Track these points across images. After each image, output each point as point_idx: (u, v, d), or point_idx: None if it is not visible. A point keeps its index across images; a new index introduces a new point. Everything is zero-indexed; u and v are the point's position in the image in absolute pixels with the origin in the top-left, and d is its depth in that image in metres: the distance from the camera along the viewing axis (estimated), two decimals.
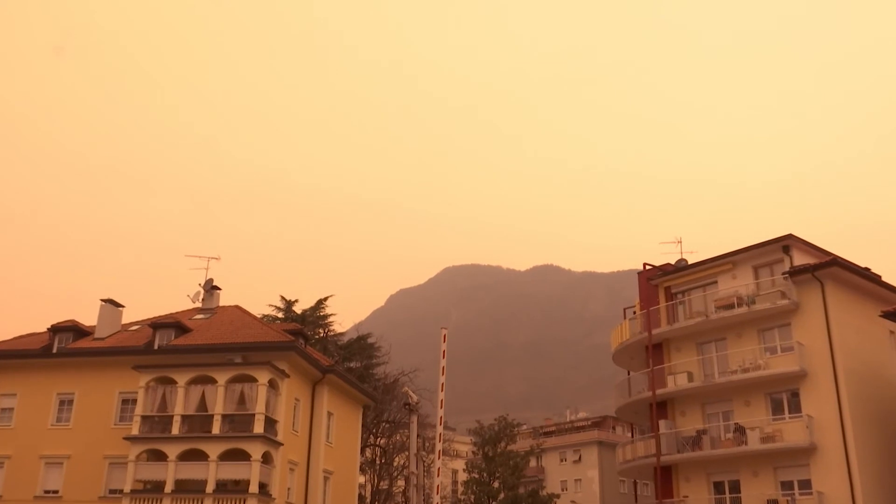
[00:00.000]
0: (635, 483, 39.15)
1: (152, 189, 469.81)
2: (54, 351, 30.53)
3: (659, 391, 30.13)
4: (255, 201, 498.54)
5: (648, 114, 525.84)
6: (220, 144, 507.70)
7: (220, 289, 33.71)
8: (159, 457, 26.69)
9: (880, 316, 26.81)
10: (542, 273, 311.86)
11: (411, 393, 28.98)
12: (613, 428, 67.47)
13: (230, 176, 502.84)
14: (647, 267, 33.01)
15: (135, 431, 27.09)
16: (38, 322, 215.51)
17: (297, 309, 45.89)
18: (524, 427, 70.95)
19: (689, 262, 32.60)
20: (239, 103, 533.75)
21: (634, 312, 34.15)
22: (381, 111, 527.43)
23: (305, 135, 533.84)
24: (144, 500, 25.93)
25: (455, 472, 62.27)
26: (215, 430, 26.42)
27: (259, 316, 38.07)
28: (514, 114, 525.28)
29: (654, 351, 31.07)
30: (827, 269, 27.25)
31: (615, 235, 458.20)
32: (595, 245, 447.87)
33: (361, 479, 42.19)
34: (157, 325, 30.16)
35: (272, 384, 27.52)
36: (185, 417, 26.85)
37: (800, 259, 28.51)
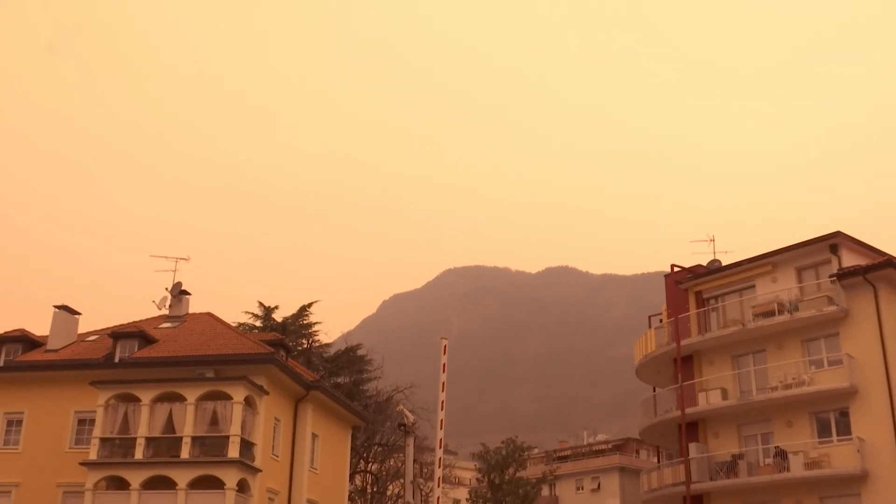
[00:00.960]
0: None
1: (115, 181, 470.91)
2: (0, 365, 30.53)
3: (689, 410, 30.12)
4: (229, 194, 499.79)
5: (676, 97, 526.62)
6: (196, 130, 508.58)
7: (189, 294, 33.74)
8: (120, 485, 26.67)
9: None
10: (555, 275, 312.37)
11: (407, 412, 28.98)
12: (637, 452, 67.46)
13: (203, 166, 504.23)
14: (676, 269, 33.02)
15: (93, 456, 27.09)
16: None
17: (278, 317, 45.93)
18: (535, 451, 71.00)
19: (724, 264, 32.62)
20: (219, 87, 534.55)
21: (661, 320, 34.11)
22: (374, 95, 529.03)
23: (287, 121, 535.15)
24: None
25: (457, 501, 62.29)
26: (184, 454, 26.42)
27: (234, 324, 38.06)
28: (522, 97, 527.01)
29: (684, 364, 31.07)
30: (881, 270, 27.22)
31: (639, 233, 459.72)
32: (616, 244, 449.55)
33: None
34: (118, 334, 30.17)
35: (249, 402, 27.51)
36: (149, 440, 26.85)
37: (849, 260, 28.49)
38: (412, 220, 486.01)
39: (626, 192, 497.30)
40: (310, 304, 47.49)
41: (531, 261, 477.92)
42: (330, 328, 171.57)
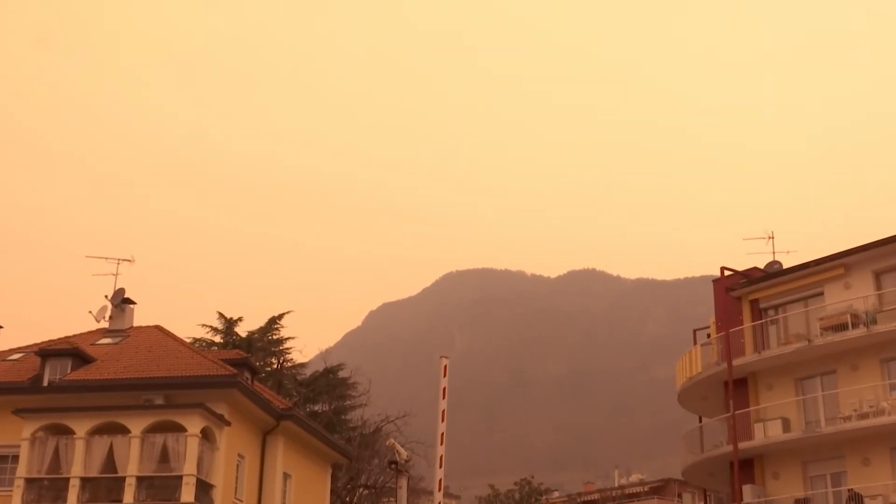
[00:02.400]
0: None
1: (45, 166, 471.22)
2: None
3: (742, 445, 30.14)
4: (183, 180, 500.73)
5: (721, 70, 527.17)
6: (138, 99, 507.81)
7: (134, 303, 33.76)
8: None
9: None
10: (580, 281, 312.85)
11: (399, 447, 28.94)
12: (679, 496, 67.51)
13: (151, 145, 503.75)
14: (727, 273, 33.03)
15: (16, 501, 27.05)
16: None
17: (241, 331, 45.99)
18: (556, 494, 71.08)
19: (785, 266, 32.65)
20: (182, 55, 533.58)
21: (708, 335, 34.11)
22: (366, 62, 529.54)
23: (254, 93, 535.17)
24: None
25: None
26: (128, 498, 26.41)
27: (188, 340, 38.05)
28: (543, 76, 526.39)
29: (737, 389, 31.08)
30: None
31: (681, 230, 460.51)
32: (653, 243, 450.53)
33: None
34: (47, 352, 30.17)
35: (206, 435, 27.52)
36: (85, 481, 26.83)
37: None
38: (406, 214, 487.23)
39: (665, 181, 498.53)
40: (281, 316, 47.55)
41: (550, 263, 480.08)
42: (305, 345, 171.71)
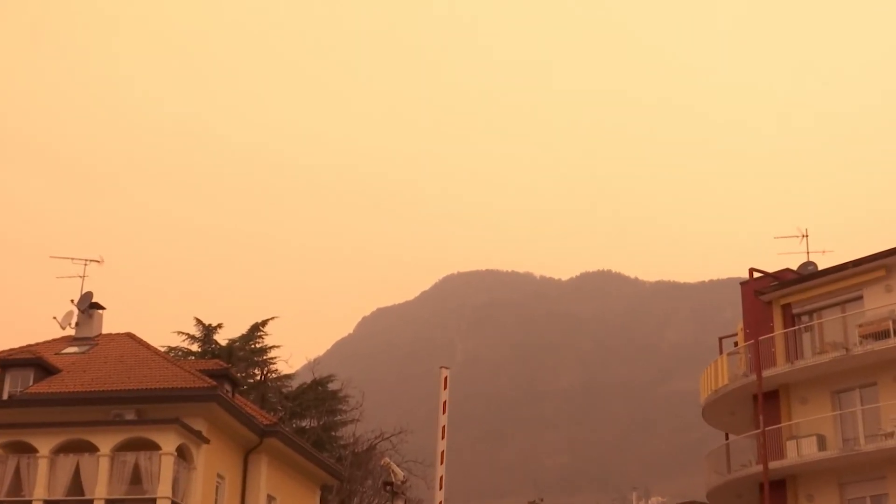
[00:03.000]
0: None
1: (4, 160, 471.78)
2: None
3: (773, 464, 30.07)
4: (158, 170, 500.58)
5: (749, 56, 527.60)
6: (113, 83, 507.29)
7: (103, 308, 33.67)
8: None
9: None
10: (594, 283, 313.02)
11: (395, 467, 28.89)
12: None
13: (121, 131, 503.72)
14: (756, 274, 32.93)
15: None
16: None
17: (221, 338, 45.94)
18: None
19: (820, 268, 32.55)
20: (157, 35, 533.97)
21: (735, 343, 34.02)
22: (361, 45, 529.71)
23: (239, 75, 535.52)
24: None
25: None
26: None
27: (163, 349, 37.92)
28: (559, 66, 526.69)
29: (767, 403, 31.02)
30: None
31: (705, 228, 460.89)
32: (675, 242, 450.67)
33: None
34: (6, 362, 30.08)
35: (182, 453, 27.43)
36: None
37: None
38: (403, 210, 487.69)
39: (687, 175, 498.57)
40: (264, 322, 47.44)
41: (561, 264, 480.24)
42: (292, 354, 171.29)
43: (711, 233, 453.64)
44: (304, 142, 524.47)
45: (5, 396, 29.34)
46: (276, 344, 47.66)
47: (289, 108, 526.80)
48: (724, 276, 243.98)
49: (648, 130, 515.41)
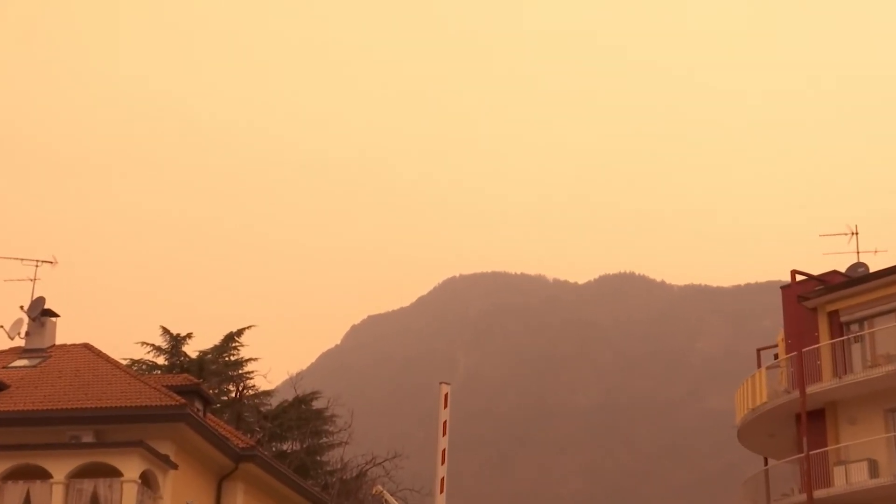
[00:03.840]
0: None
1: None
2: None
3: (819, 493, 30.08)
4: (120, 152, 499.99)
5: (784, 44, 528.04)
6: (69, 55, 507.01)
7: (57, 315, 33.67)
8: None
9: None
10: (615, 288, 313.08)
11: (388, 496, 28.89)
12: None
13: (75, 110, 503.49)
14: (799, 278, 32.92)
15: None
16: None
17: (191, 350, 46.05)
18: None
19: (871, 270, 32.55)
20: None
21: (776, 356, 34.03)
22: (358, 20, 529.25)
23: (222, 49, 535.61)
24: None
25: None
26: None
27: (125, 362, 37.95)
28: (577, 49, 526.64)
29: (811, 423, 31.04)
30: None
31: (741, 225, 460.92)
32: (707, 241, 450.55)
33: None
34: None
35: (147, 480, 27.44)
36: None
37: None
38: (398, 204, 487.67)
39: (720, 166, 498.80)
40: (240, 332, 47.49)
41: (578, 266, 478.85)
42: (271, 368, 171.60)
43: (748, 230, 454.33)
44: (289, 125, 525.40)
45: None
46: (254, 356, 47.78)
47: (273, 97, 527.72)
48: (762, 279, 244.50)
49: (675, 117, 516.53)
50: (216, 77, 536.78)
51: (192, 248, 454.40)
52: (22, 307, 33.16)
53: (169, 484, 27.88)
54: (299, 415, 45.62)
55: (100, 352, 32.78)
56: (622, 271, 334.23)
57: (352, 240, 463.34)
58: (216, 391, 43.35)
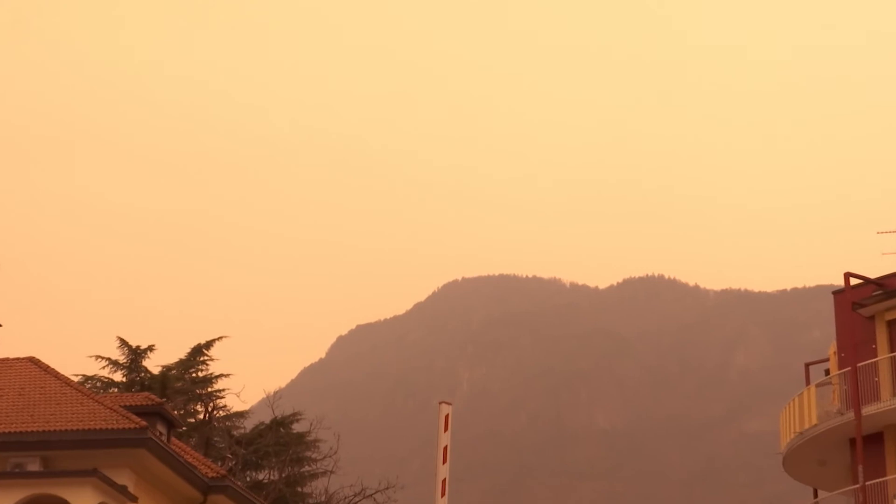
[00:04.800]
0: None
1: None
2: None
3: None
4: (70, 134, 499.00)
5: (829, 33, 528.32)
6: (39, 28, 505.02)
7: None
8: None
9: None
10: (641, 293, 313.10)
11: None
12: None
13: (32, 86, 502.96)
14: (853, 281, 32.86)
15: None
16: None
17: (153, 365, 45.96)
18: None
19: None
20: None
21: (827, 371, 33.96)
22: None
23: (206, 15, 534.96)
24: None
25: None
26: None
27: (76, 378, 37.90)
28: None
29: (868, 449, 31.00)
30: None
31: (786, 223, 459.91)
32: (746, 241, 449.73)
33: None
34: None
35: None
36: None
37: None
38: (392, 199, 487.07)
39: (760, 155, 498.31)
40: (210, 343, 47.38)
41: (598, 268, 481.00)
42: (246, 385, 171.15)
43: (795, 227, 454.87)
44: (270, 103, 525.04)
45: None
46: (226, 372, 47.72)
47: (254, 58, 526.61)
48: (810, 283, 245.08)
49: (710, 103, 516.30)
50: (199, 71, 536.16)
51: (154, 247, 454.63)
52: None
53: None
54: (278, 439, 45.55)
55: (48, 367, 32.73)
56: (649, 274, 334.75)
57: (339, 237, 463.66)
58: (182, 412, 43.31)
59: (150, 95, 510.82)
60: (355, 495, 45.71)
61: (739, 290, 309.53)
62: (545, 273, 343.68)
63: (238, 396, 52.29)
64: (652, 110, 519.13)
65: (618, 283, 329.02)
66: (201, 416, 45.68)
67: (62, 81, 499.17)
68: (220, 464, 38.51)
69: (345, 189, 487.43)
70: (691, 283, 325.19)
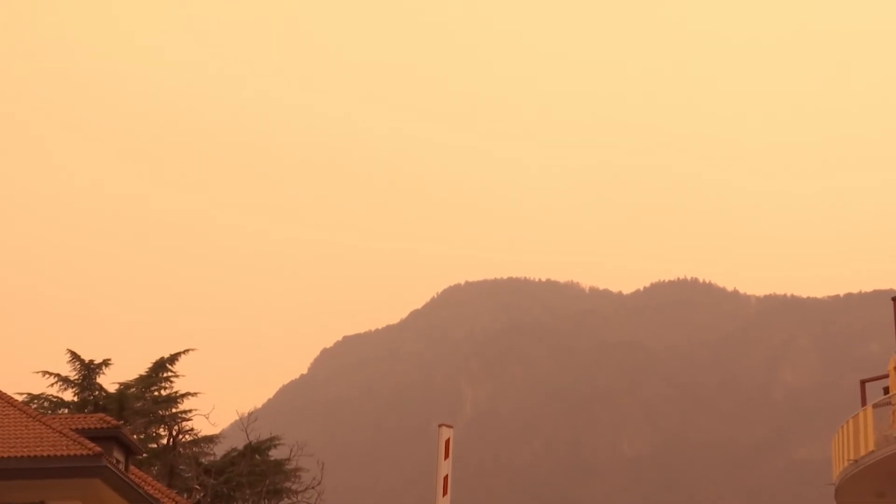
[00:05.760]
0: None
1: None
2: None
3: None
4: (22, 136, 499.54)
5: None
6: None
7: None
8: None
9: None
10: (672, 299, 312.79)
11: None
12: None
13: None
14: None
15: None
16: None
17: (109, 382, 45.95)
18: None
19: None
20: None
21: (886, 390, 34.05)
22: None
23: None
24: None
25: None
26: None
27: (21, 397, 37.90)
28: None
29: None
30: None
31: (837, 223, 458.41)
32: (792, 242, 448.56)
33: None
34: None
35: None
36: None
37: None
38: (386, 194, 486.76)
39: (807, 147, 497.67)
40: (174, 357, 47.40)
41: (623, 271, 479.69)
42: (215, 406, 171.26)
43: (849, 226, 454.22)
44: (249, 103, 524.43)
45: None
46: (193, 390, 47.75)
47: (241, 81, 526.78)
48: (867, 287, 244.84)
49: (745, 77, 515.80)
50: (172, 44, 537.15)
51: (111, 244, 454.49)
52: None
53: None
54: (253, 468, 45.61)
55: None
56: (680, 278, 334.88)
57: (324, 235, 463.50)
58: (142, 436, 43.33)
59: (122, 86, 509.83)
60: None
61: (785, 295, 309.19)
62: (561, 276, 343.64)
63: (207, 418, 52.39)
64: (681, 84, 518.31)
65: (644, 287, 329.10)
66: (164, 441, 45.69)
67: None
68: (186, 496, 38.54)
69: (330, 180, 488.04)
70: (729, 288, 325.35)
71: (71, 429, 30.90)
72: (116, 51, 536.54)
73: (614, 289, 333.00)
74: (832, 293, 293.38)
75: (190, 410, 47.00)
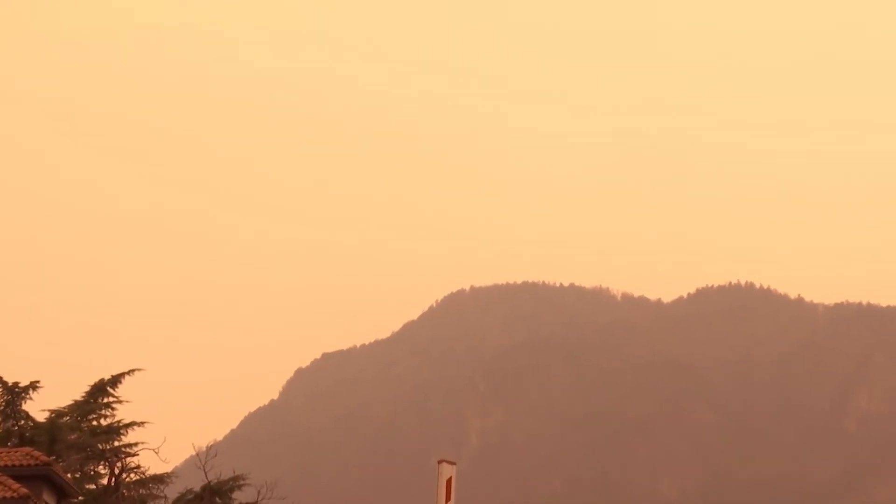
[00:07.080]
0: None
1: None
2: None
3: None
4: None
5: None
6: None
7: None
8: None
9: None
10: (721, 308, 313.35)
11: None
12: None
13: None
14: None
15: None
16: None
17: (37, 409, 46.07)
18: None
19: None
20: None
21: None
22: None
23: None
24: None
25: None
26: None
27: None
28: None
29: None
30: None
31: None
32: (867, 240, 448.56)
33: None
34: None
35: None
36: None
37: None
38: (376, 183, 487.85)
39: (881, 133, 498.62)
40: (117, 379, 47.54)
41: (661, 276, 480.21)
42: (167, 438, 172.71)
43: None
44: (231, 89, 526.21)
45: None
46: (139, 419, 47.86)
47: (225, 72, 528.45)
48: None
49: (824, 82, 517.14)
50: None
51: (40, 245, 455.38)
52: None
53: None
54: None
55: None
56: (732, 283, 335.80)
57: (303, 234, 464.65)
58: (77, 475, 43.52)
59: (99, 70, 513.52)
60: None
61: (860, 304, 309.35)
62: (586, 281, 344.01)
63: (157, 453, 52.60)
64: (733, 50, 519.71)
65: (688, 294, 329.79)
66: (104, 481, 45.84)
67: None
68: None
69: (312, 171, 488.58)
70: (793, 295, 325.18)
71: None
72: (117, 51, 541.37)
73: (651, 296, 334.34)
74: None
75: (136, 444, 47.15)
